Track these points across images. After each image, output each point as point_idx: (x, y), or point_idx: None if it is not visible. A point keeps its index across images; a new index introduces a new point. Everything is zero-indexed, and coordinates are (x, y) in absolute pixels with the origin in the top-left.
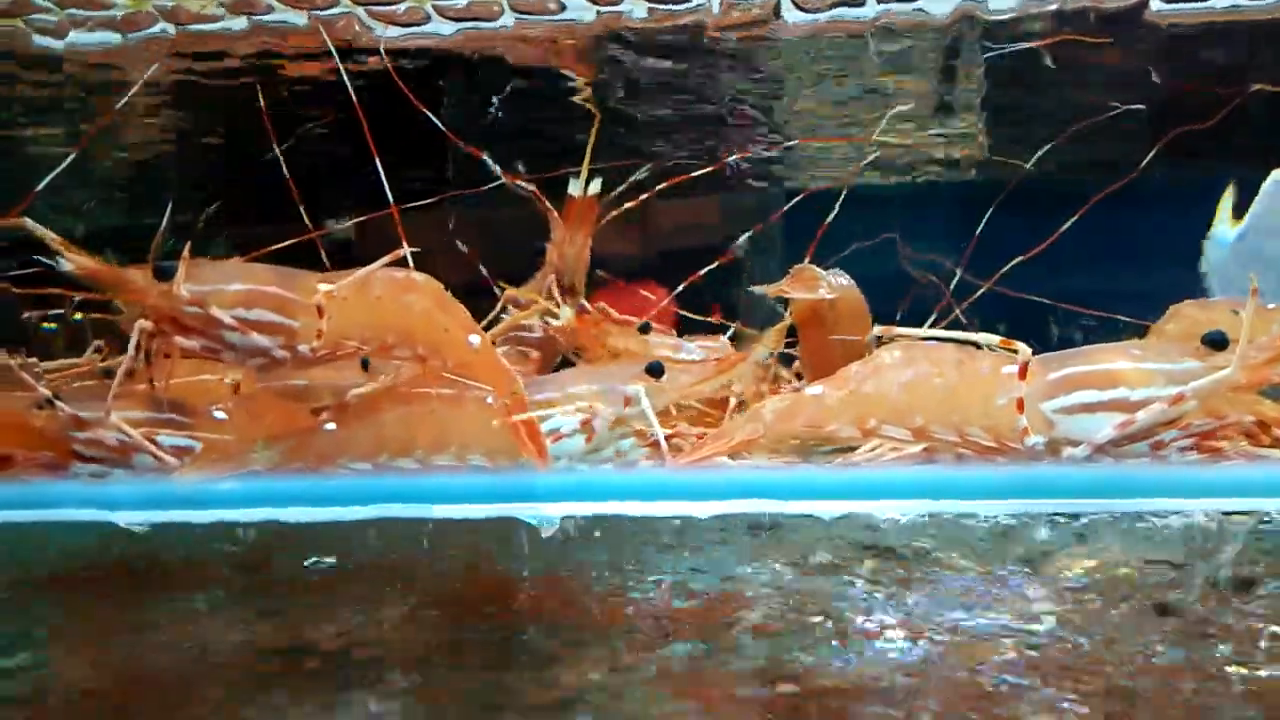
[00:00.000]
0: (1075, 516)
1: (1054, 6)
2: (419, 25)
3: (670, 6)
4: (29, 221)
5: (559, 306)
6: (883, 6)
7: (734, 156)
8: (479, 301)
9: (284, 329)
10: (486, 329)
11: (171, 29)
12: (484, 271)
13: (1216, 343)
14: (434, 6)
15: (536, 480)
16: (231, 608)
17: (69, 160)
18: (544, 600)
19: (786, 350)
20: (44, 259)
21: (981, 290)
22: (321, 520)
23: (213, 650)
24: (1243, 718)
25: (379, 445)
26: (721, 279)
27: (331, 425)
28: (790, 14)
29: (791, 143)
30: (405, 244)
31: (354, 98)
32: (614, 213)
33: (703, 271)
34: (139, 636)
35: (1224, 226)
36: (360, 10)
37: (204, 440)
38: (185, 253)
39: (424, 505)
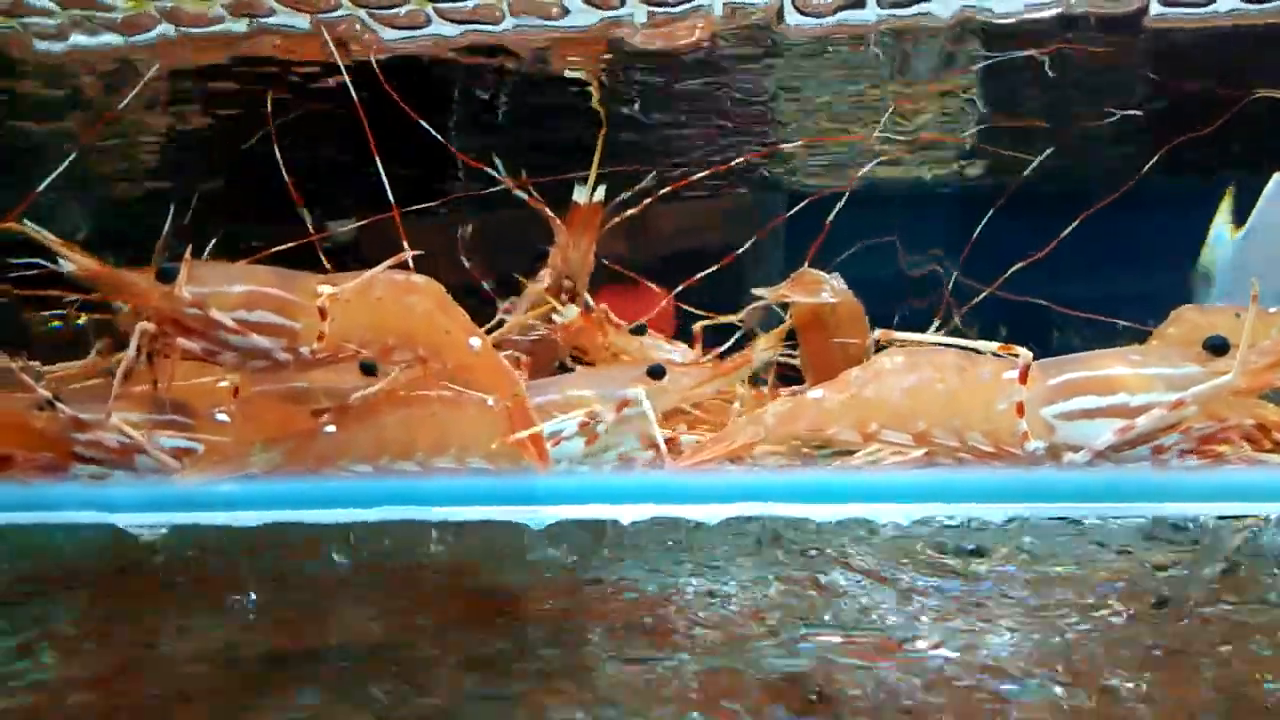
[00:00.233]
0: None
1: (1055, 11)
2: (420, 28)
3: (670, 9)
4: (29, 224)
5: (565, 306)
6: (885, 11)
7: (740, 159)
8: (479, 304)
9: (286, 331)
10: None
11: (173, 31)
12: (485, 284)
13: (1217, 348)
14: (435, 9)
15: (537, 483)
16: (233, 609)
17: (68, 162)
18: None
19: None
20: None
21: (983, 295)
22: (322, 522)
23: (213, 652)
24: None
25: (379, 447)
26: (721, 281)
27: (331, 427)
28: (792, 17)
29: (794, 144)
30: (407, 247)
31: (355, 98)
32: (616, 219)
33: (699, 275)
34: (141, 638)
35: (1225, 230)
36: (362, 12)
37: (205, 442)
38: (187, 255)
39: (424, 508)
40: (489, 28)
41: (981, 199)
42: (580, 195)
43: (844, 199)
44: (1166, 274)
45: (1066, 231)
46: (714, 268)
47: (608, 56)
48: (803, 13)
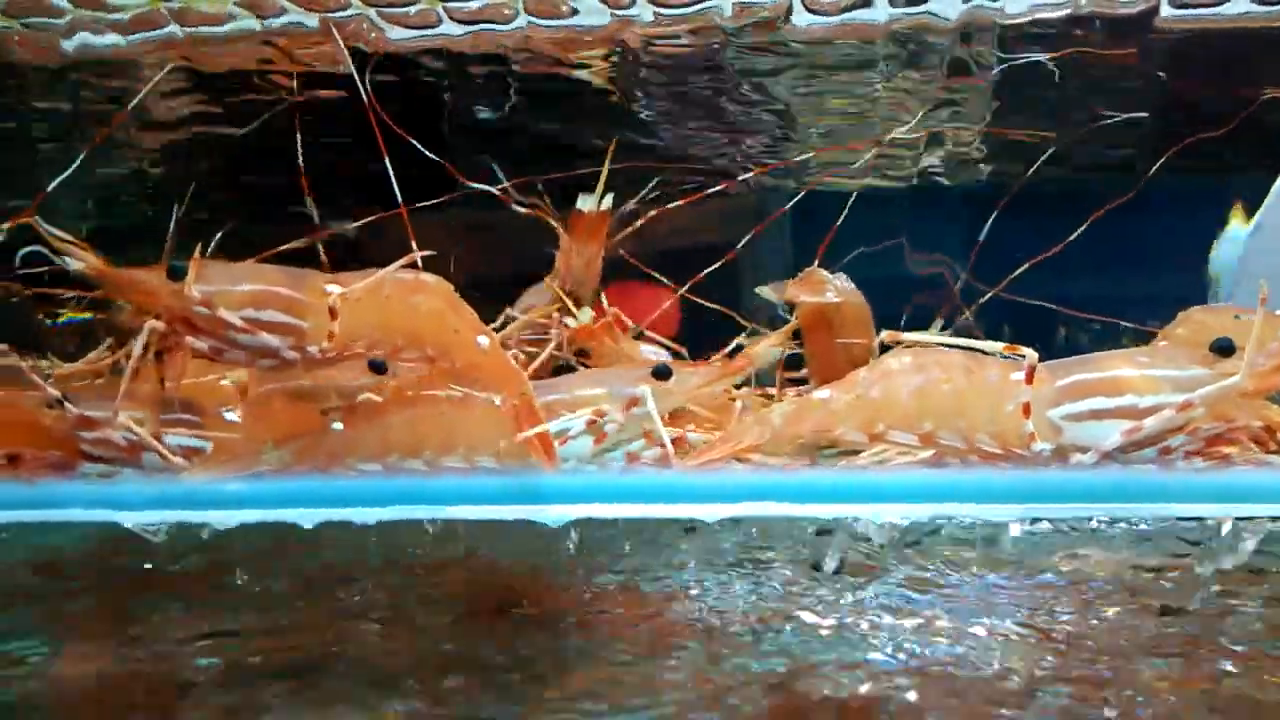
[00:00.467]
0: None
1: (1066, 12)
2: (431, 28)
3: (679, 10)
4: (40, 222)
5: (579, 308)
6: (895, 10)
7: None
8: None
9: (294, 330)
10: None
11: (180, 31)
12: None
13: (1225, 349)
14: (445, 8)
15: (544, 482)
16: (236, 608)
17: (79, 161)
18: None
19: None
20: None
21: (989, 295)
22: (330, 521)
23: (220, 650)
24: None
25: (387, 446)
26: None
27: (339, 426)
28: (801, 17)
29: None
30: (415, 247)
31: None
32: (627, 229)
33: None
34: (148, 636)
35: (1234, 231)
36: (371, 12)
37: (213, 440)
38: (196, 253)
39: (433, 506)
40: (499, 27)
41: (987, 199)
42: (586, 204)
43: (851, 199)
44: (1176, 275)
45: (1078, 232)
46: (716, 265)
47: (615, 57)
48: (812, 11)
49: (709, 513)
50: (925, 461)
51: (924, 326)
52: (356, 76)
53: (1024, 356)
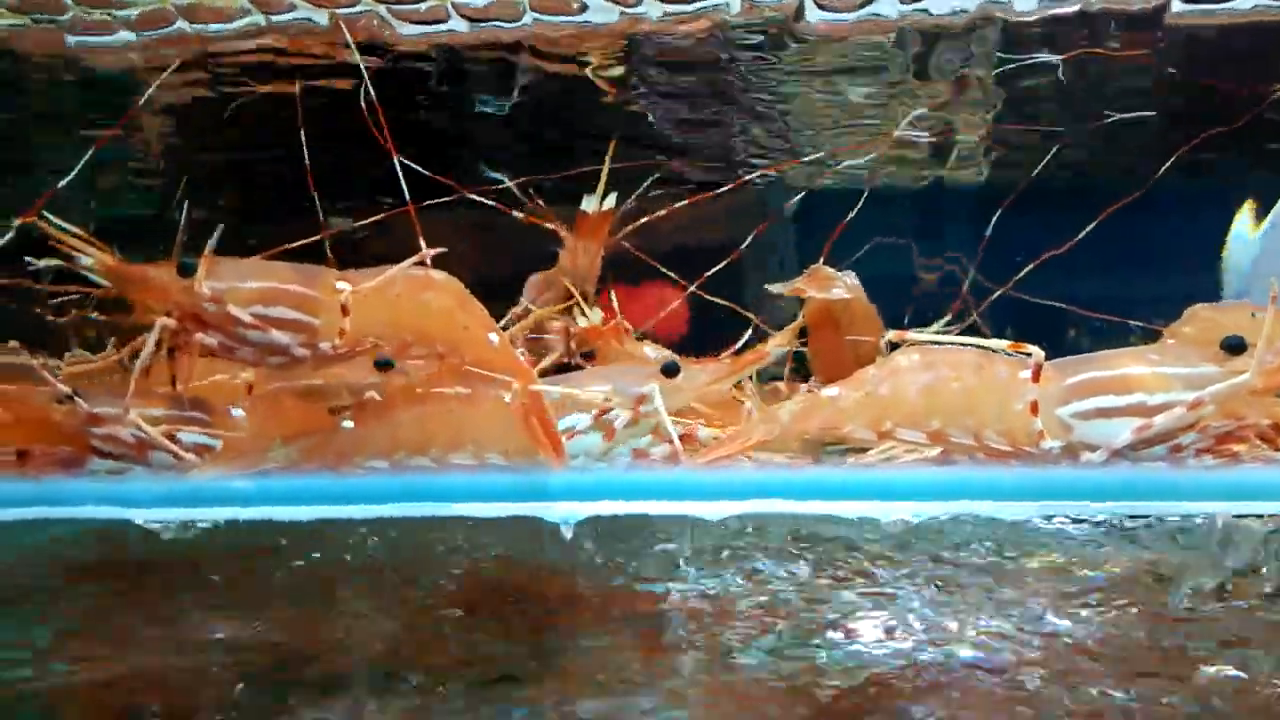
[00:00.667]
0: None
1: (1075, 9)
2: (439, 23)
3: (687, 7)
4: (50, 218)
5: (591, 307)
6: (905, 8)
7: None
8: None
9: (305, 326)
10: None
11: (189, 27)
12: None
13: (1235, 347)
14: (454, 5)
15: (553, 479)
16: (244, 606)
17: (87, 157)
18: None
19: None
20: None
21: (998, 294)
22: (338, 518)
23: (226, 649)
24: None
25: (395, 444)
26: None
27: (349, 424)
28: (813, 14)
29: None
30: (424, 244)
31: (374, 96)
32: (629, 227)
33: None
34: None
35: (1245, 229)
36: (382, 8)
37: (223, 438)
38: (207, 250)
39: (441, 504)
40: (508, 24)
41: (994, 198)
42: (589, 204)
43: (863, 197)
44: (1187, 274)
45: (1087, 230)
46: (722, 264)
47: (621, 54)
48: (823, 8)
49: (717, 510)
50: (933, 459)
51: (928, 325)
52: (365, 74)
53: (1029, 355)
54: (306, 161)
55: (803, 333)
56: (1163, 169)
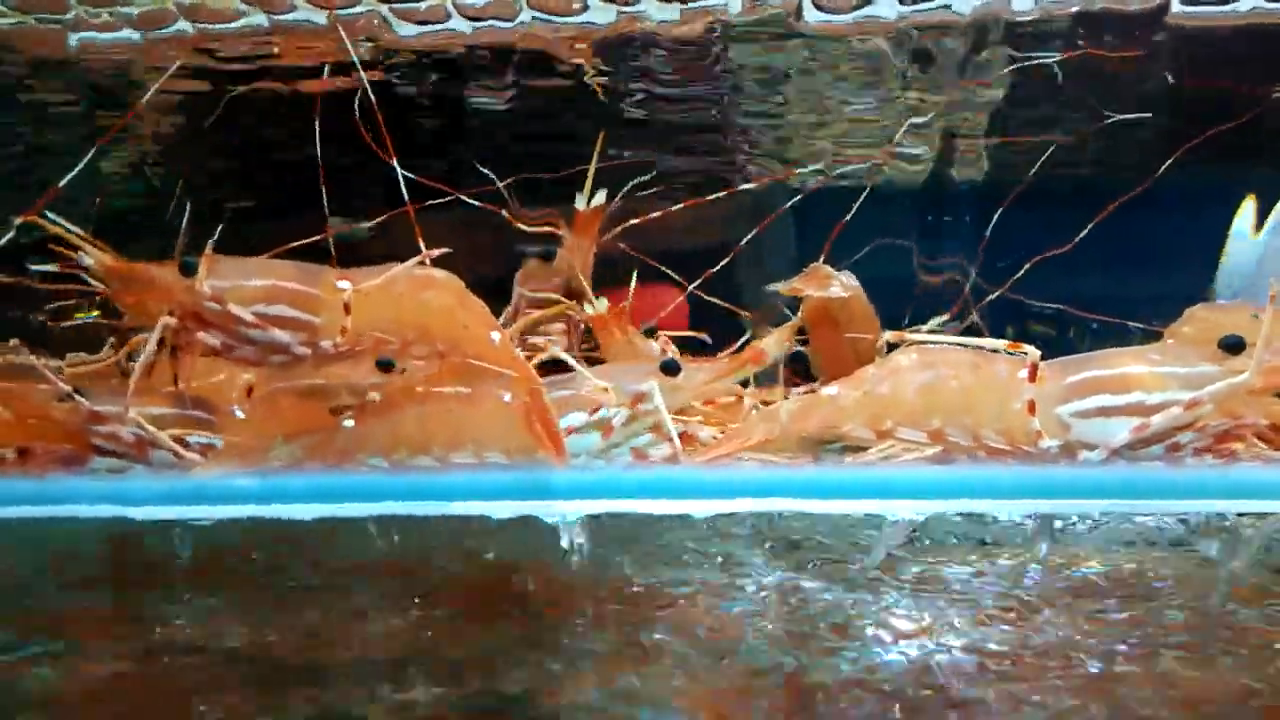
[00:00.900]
0: None
1: (1075, 8)
2: (440, 23)
3: (689, 5)
4: (52, 217)
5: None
6: (905, 8)
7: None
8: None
9: (306, 325)
10: None
11: (190, 27)
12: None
13: (1233, 347)
14: (454, 5)
15: (553, 477)
16: (244, 605)
17: (89, 157)
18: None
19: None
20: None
21: (997, 294)
22: (339, 517)
23: (226, 648)
24: None
25: (396, 443)
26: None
27: (350, 423)
28: (812, 14)
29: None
30: (423, 245)
31: (372, 97)
32: (625, 224)
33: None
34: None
35: (1245, 230)
36: (384, 9)
37: (224, 437)
38: (208, 249)
39: (441, 502)
40: (506, 24)
41: (994, 198)
42: (580, 203)
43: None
44: (1187, 274)
45: (1087, 229)
46: (723, 263)
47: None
48: (821, 9)
49: (717, 509)
50: (932, 458)
51: (926, 324)
52: (363, 75)
53: (1025, 354)
54: (317, 157)
55: (801, 332)
56: (1162, 169)
